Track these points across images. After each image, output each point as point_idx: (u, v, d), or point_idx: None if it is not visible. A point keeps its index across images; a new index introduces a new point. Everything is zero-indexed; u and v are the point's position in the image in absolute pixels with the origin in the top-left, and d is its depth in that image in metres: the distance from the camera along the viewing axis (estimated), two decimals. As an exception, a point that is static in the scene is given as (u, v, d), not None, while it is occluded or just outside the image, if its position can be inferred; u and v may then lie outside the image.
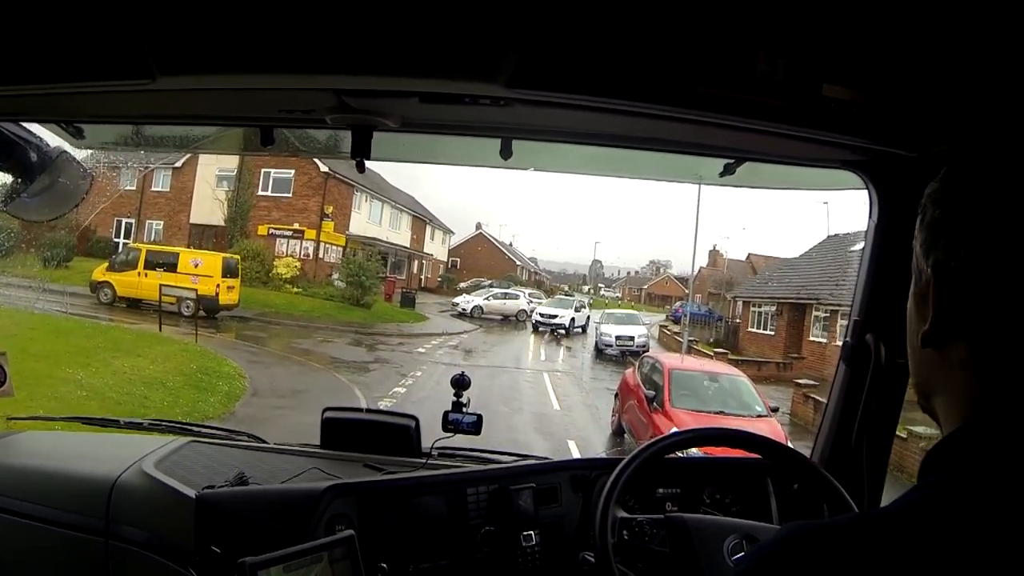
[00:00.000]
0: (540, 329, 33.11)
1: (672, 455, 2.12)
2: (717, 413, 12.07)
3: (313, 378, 16.75)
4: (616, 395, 15.27)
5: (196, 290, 22.16)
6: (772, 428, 11.52)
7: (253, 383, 14.76)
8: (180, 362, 15.10)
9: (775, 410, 12.84)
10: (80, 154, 2.16)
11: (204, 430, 2.91)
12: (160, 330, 18.91)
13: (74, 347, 14.68)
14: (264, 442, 2.75)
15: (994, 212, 0.78)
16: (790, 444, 7.39)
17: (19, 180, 1.97)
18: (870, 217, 2.11)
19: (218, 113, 1.99)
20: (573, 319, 34.44)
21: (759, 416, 12.21)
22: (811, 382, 18.74)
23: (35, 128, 2.01)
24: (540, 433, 14.37)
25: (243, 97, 1.77)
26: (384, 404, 14.19)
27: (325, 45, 1.40)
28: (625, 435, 13.68)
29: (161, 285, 21.59)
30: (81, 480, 2.39)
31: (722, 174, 2.11)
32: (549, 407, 16.97)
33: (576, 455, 11.61)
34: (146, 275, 23.49)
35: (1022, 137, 0.83)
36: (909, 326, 0.92)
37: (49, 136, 2.04)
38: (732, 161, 2.05)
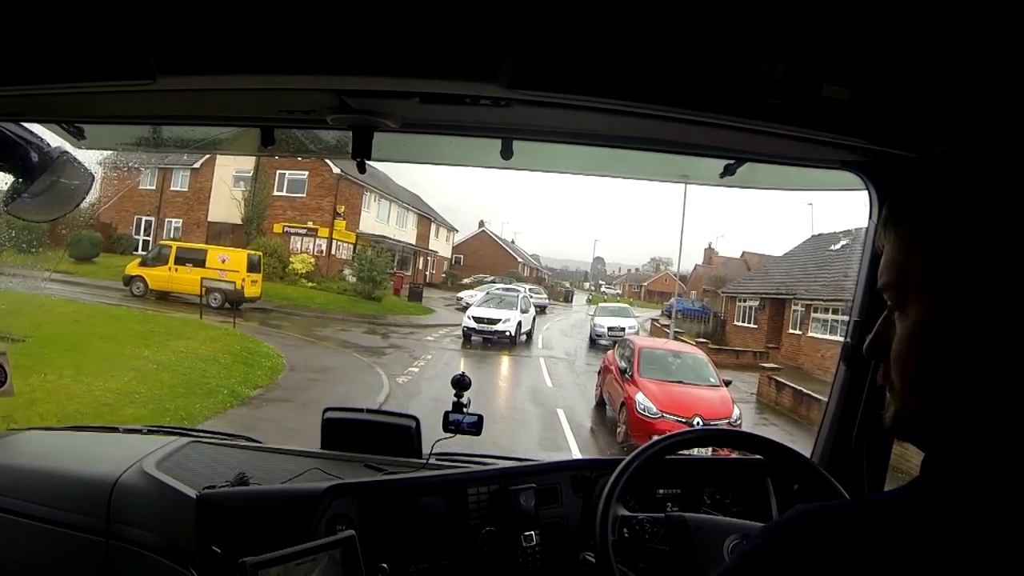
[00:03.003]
0: (472, 339, 23.93)
1: (673, 455, 2.09)
2: (677, 382, 13.84)
3: (339, 358, 18.30)
4: (599, 372, 16.86)
5: (234, 283, 23.74)
6: (723, 396, 13.57)
7: (289, 361, 16.31)
8: (226, 344, 16.57)
9: (728, 383, 14.41)
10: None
11: (203, 435, 2.84)
12: (201, 318, 20.17)
13: (131, 331, 16.52)
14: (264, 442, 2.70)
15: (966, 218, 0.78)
16: (737, 410, 9.81)
17: (20, 180, 1.93)
18: (870, 218, 2.07)
19: (218, 113, 1.96)
20: (519, 323, 25.18)
21: (712, 386, 14.04)
22: (775, 366, 21.41)
23: (36, 128, 1.97)
24: (534, 403, 15.97)
25: (243, 97, 1.74)
26: (402, 380, 16.13)
27: (325, 45, 1.37)
28: (606, 405, 15.32)
29: (202, 279, 23.01)
30: (82, 480, 2.35)
31: (722, 175, 2.07)
32: (543, 384, 18.59)
33: (566, 426, 14.22)
34: (176, 270, 24.75)
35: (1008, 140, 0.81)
36: (928, 361, 0.85)
37: (50, 136, 2.00)
38: (732, 161, 2.01)
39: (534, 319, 28.17)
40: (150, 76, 1.42)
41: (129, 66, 1.41)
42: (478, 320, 24.54)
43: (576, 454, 11.79)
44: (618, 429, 13.48)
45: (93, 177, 2.05)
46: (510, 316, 24.93)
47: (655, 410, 12.67)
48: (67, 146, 2.02)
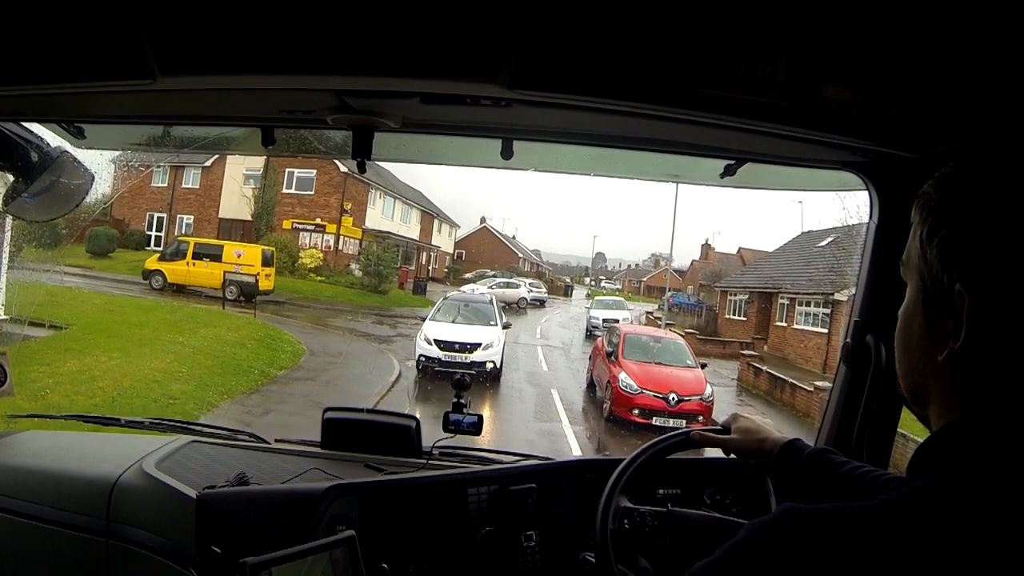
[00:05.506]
0: (427, 370, 15.47)
1: (673, 455, 2.06)
2: (656, 363, 15.34)
3: (352, 345, 19.26)
4: (590, 357, 18.13)
5: (255, 276, 24.48)
6: (697, 376, 15.19)
7: (308, 347, 17.29)
8: (250, 331, 17.75)
9: (703, 365, 16.12)
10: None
11: (205, 429, 2.83)
12: (224, 308, 21.47)
13: (162, 320, 17.77)
14: (265, 442, 2.67)
15: (1020, 228, 0.76)
16: (709, 387, 11.33)
17: (20, 180, 1.91)
18: (870, 218, 2.03)
19: (219, 113, 1.92)
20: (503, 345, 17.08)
21: (688, 367, 15.59)
22: (754, 354, 22.77)
23: (36, 128, 1.94)
24: (531, 384, 17.22)
25: (244, 97, 1.70)
26: (410, 364, 16.18)
27: (326, 45, 1.34)
28: (596, 387, 16.38)
29: (225, 272, 24.20)
30: (82, 480, 2.33)
31: (723, 175, 2.03)
32: (540, 368, 19.77)
33: (558, 402, 15.35)
34: (194, 264, 25.45)
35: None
36: (909, 333, 0.90)
37: (50, 136, 1.96)
38: (733, 162, 1.97)
39: (506, 331, 18.48)
40: (150, 76, 1.39)
41: (129, 66, 1.38)
42: (444, 345, 15.82)
43: (568, 430, 13.39)
44: (604, 405, 14.74)
45: (93, 177, 2.02)
46: (492, 337, 16.59)
47: (635, 387, 14.09)
48: (67, 146, 1.99)
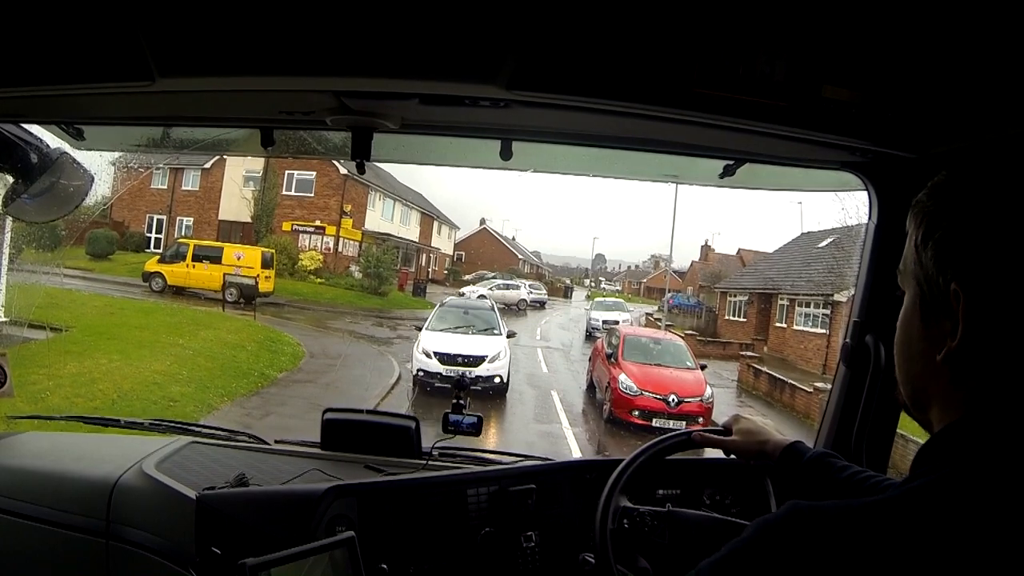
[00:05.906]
0: (425, 386, 14.14)
1: (673, 456, 2.05)
2: (656, 365, 15.29)
3: (352, 347, 19.21)
4: (590, 359, 18.18)
5: (255, 278, 24.46)
6: (697, 377, 15.07)
7: (308, 349, 17.28)
8: (249, 333, 17.69)
9: (703, 367, 15.93)
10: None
11: (204, 430, 2.83)
12: (223, 310, 21.50)
13: (162, 322, 17.69)
14: (264, 443, 2.67)
15: (1012, 226, 0.79)
16: (710, 389, 11.13)
17: (20, 181, 1.91)
18: (869, 218, 2.03)
19: (218, 115, 1.92)
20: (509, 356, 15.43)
21: (689, 368, 15.51)
22: (754, 355, 22.59)
23: (35, 130, 1.94)
24: (531, 386, 17.11)
25: (243, 99, 1.70)
26: (409, 366, 15.52)
27: (325, 47, 1.34)
28: (596, 388, 16.33)
29: (225, 274, 24.07)
30: (82, 481, 2.33)
31: (722, 175, 2.03)
32: (540, 370, 19.74)
33: (558, 404, 15.30)
34: (193, 267, 25.37)
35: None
36: (908, 338, 0.91)
37: (49, 138, 1.96)
38: (732, 162, 1.97)
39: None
40: (149, 78, 1.39)
41: (128, 68, 1.38)
42: (445, 358, 14.15)
43: (568, 432, 13.31)
44: (604, 406, 14.66)
45: (92, 178, 2.02)
46: (497, 348, 14.96)
47: (635, 388, 14.02)
48: (66, 147, 1.99)
